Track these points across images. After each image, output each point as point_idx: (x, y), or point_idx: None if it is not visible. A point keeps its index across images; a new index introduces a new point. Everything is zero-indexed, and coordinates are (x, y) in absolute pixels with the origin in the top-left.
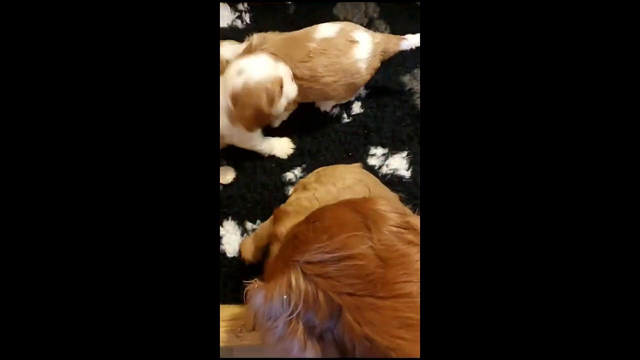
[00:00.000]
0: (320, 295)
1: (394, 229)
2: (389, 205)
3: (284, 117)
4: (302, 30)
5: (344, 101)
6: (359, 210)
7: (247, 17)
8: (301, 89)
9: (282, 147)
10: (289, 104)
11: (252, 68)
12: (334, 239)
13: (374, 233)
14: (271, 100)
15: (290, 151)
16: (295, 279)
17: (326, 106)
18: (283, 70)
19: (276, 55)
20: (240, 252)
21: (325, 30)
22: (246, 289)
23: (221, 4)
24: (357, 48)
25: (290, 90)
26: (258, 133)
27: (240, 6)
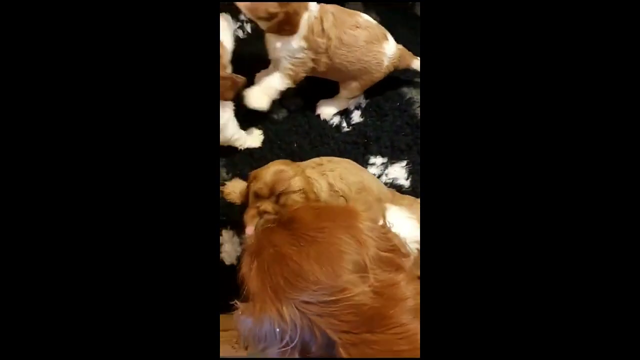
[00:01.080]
0: (317, 331)
1: (383, 254)
2: (372, 222)
3: None
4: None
5: (352, 97)
6: (351, 233)
7: (248, 27)
8: (338, 58)
9: (253, 137)
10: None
11: None
12: (336, 281)
13: (367, 261)
14: None
15: (261, 138)
16: (291, 316)
17: (326, 114)
18: (221, 27)
19: (333, 15)
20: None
21: (367, 17)
22: (234, 310)
23: (223, 14)
24: (387, 44)
25: (228, 42)
26: (232, 122)
27: (242, 16)
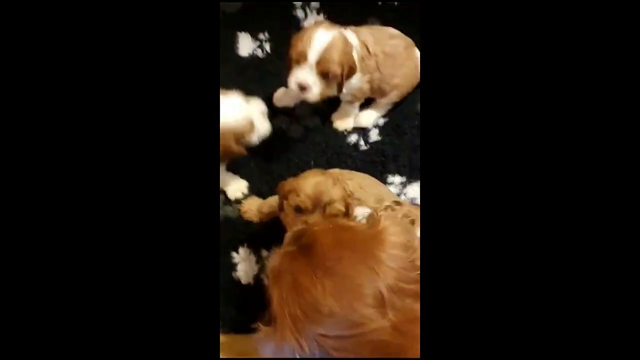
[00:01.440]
0: None
1: (406, 286)
2: (399, 249)
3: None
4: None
5: (391, 103)
6: (371, 264)
7: (267, 47)
8: (386, 70)
9: (235, 186)
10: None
11: (224, 110)
12: (352, 315)
13: (386, 295)
14: (238, 140)
15: (239, 194)
16: (309, 347)
17: (367, 122)
18: (255, 108)
19: (372, 36)
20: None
21: (392, 28)
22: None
23: (242, 33)
24: (416, 50)
25: (262, 126)
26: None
27: (261, 35)
